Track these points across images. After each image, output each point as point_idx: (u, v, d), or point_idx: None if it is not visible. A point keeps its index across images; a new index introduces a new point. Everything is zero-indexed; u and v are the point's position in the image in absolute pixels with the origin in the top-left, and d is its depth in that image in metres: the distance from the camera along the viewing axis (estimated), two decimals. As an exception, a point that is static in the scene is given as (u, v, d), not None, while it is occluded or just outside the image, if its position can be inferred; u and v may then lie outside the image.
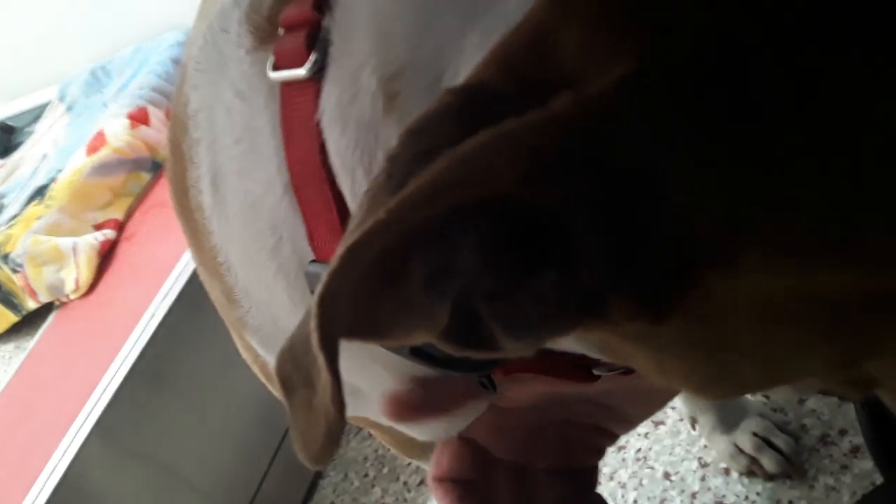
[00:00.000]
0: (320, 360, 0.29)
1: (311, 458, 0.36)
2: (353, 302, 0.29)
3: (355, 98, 0.42)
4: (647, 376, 0.37)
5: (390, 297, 0.30)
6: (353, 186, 0.43)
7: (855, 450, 0.91)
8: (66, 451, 1.11)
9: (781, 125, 0.26)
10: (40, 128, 2.14)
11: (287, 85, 0.45)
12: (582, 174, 0.27)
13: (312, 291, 0.47)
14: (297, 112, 0.45)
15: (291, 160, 0.46)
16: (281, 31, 0.47)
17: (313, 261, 0.47)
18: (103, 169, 1.61)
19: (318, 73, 0.43)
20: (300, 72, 0.44)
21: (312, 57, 0.43)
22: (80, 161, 1.64)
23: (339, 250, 0.28)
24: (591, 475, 0.61)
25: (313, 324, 0.29)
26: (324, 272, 0.30)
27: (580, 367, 0.47)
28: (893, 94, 0.26)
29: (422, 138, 0.30)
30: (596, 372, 0.47)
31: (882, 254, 0.27)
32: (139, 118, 1.69)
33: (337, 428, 0.33)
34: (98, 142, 1.66)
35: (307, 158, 0.44)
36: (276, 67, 0.46)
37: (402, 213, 0.27)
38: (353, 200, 0.44)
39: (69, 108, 2.06)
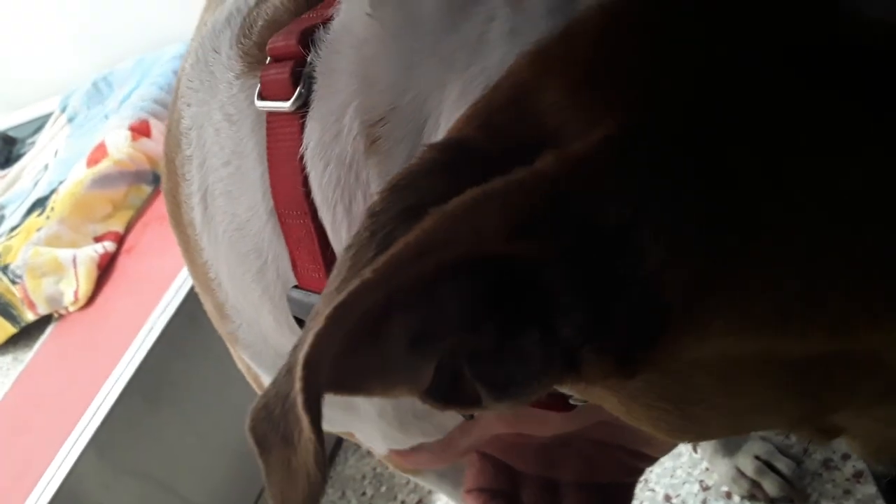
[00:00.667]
0: (304, 421, 0.29)
1: None
2: (337, 360, 0.29)
3: (337, 137, 0.43)
4: (619, 416, 0.38)
5: (373, 355, 0.30)
6: (334, 222, 0.44)
7: (858, 475, 0.91)
8: (61, 465, 1.10)
9: (754, 194, 0.27)
10: (42, 139, 2.14)
11: (273, 115, 0.46)
12: (564, 231, 0.28)
13: (294, 316, 0.48)
14: (282, 143, 0.46)
15: (276, 189, 0.47)
16: (268, 59, 0.47)
17: (296, 286, 0.48)
18: (104, 181, 1.60)
19: (303, 107, 0.44)
20: (285, 105, 0.45)
21: (297, 92, 0.44)
22: (80, 173, 1.64)
23: (325, 311, 0.28)
24: (624, 492, 0.61)
25: (298, 386, 0.28)
26: (309, 318, 0.30)
27: (557, 396, 0.47)
28: (859, 168, 0.27)
29: (406, 195, 0.30)
30: (572, 402, 0.47)
31: (843, 320, 0.28)
32: (141, 130, 1.69)
33: (318, 489, 0.32)
34: (99, 153, 1.66)
35: (290, 190, 0.45)
36: (262, 96, 0.47)
37: (390, 272, 0.27)
38: (334, 235, 0.44)
39: (70, 120, 2.06)
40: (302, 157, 0.44)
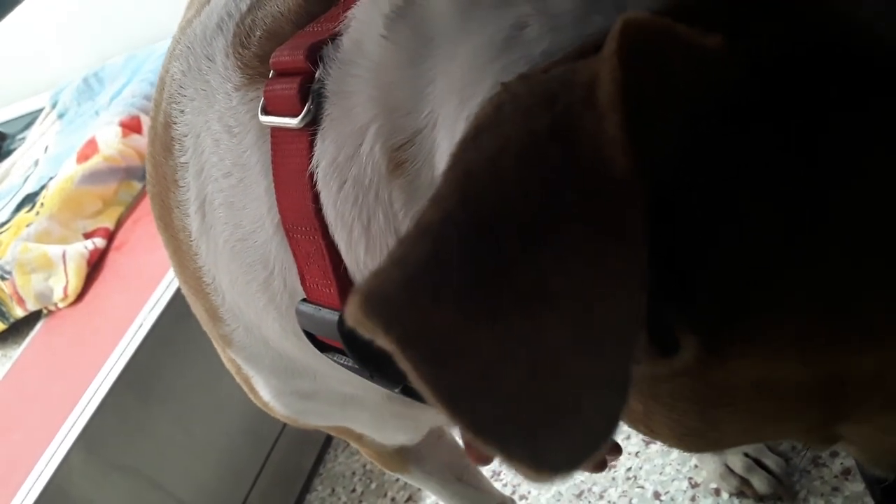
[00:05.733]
0: (610, 119, 0.24)
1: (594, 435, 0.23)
2: None
3: (353, 158, 0.42)
4: (627, 419, 0.38)
5: None
6: (350, 240, 0.44)
7: (846, 472, 0.91)
8: (49, 461, 1.09)
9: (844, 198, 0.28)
10: (32, 135, 2.13)
11: (278, 130, 0.46)
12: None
13: (304, 329, 0.48)
14: (290, 159, 0.45)
15: (283, 205, 0.46)
16: (272, 72, 0.47)
17: (304, 300, 0.48)
18: (94, 177, 1.59)
19: (311, 124, 0.44)
20: (293, 121, 0.44)
21: (305, 108, 0.44)
22: (70, 169, 1.63)
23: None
24: None
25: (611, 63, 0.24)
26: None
27: None
28: None
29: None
30: None
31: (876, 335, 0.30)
32: (131, 126, 1.69)
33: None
34: (89, 150, 1.65)
35: (299, 206, 0.45)
36: (266, 111, 0.46)
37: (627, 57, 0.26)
38: (349, 252, 0.44)
39: (61, 116, 2.05)
40: (312, 175, 0.44)
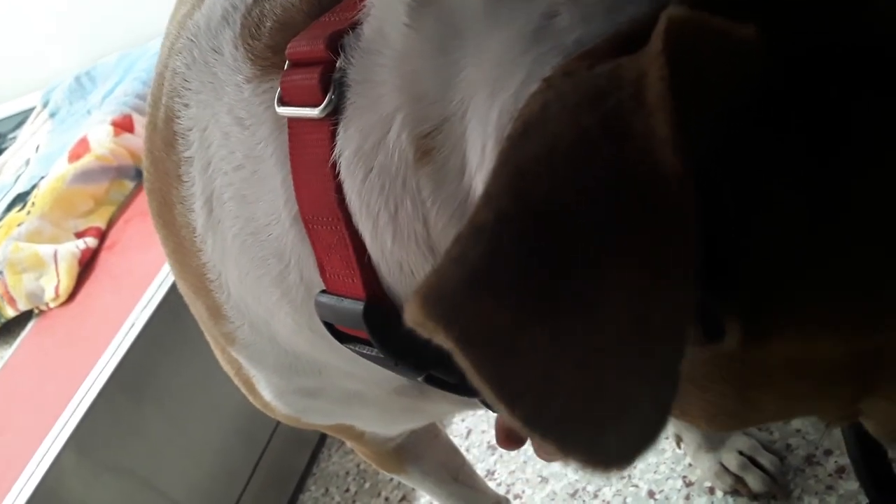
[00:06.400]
0: (659, 117, 0.24)
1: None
2: None
3: (378, 147, 0.42)
4: None
5: None
6: (375, 229, 0.44)
7: (840, 470, 0.91)
8: (40, 463, 1.09)
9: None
10: (23, 134, 2.12)
11: (296, 121, 0.45)
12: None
13: (323, 320, 0.48)
14: (310, 150, 0.45)
15: (302, 195, 0.46)
16: (287, 63, 0.46)
17: (323, 291, 0.48)
18: (86, 176, 1.59)
19: (333, 114, 0.44)
20: (314, 111, 0.44)
21: (327, 98, 0.43)
22: (62, 168, 1.62)
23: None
24: None
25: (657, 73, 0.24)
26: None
27: None
28: None
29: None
30: None
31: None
32: (123, 125, 1.68)
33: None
34: (81, 149, 1.64)
35: (320, 196, 0.45)
36: (283, 101, 0.46)
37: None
38: (374, 241, 0.44)
39: (53, 115, 2.04)
40: (334, 165, 0.44)
